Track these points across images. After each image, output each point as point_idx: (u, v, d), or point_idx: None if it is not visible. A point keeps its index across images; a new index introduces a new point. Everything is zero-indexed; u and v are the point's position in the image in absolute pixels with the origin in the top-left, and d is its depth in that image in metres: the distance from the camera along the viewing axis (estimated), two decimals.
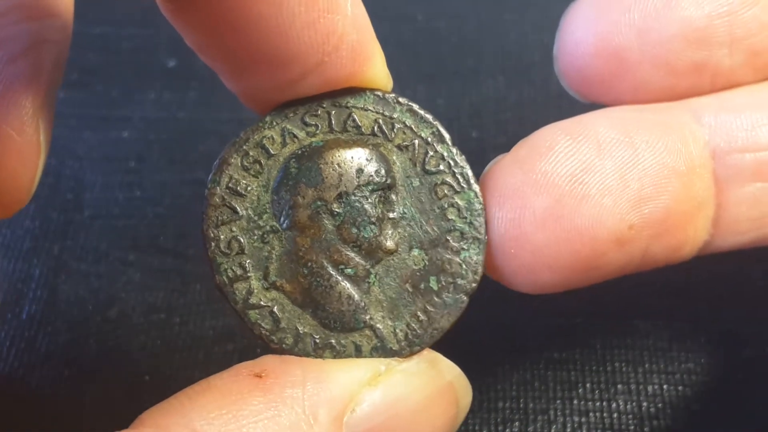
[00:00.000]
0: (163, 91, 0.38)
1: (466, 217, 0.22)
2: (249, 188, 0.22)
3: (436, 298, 0.22)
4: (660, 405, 0.29)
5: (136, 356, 0.31)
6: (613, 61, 0.23)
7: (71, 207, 0.35)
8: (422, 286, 0.22)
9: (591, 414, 0.29)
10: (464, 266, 0.22)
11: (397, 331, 0.22)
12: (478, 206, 0.22)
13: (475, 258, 0.22)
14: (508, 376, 0.30)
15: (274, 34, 0.20)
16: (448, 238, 0.22)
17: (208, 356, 0.31)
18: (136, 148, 0.36)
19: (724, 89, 0.24)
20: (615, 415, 0.29)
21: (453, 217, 0.22)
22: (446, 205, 0.22)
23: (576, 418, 0.29)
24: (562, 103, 0.37)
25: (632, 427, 0.29)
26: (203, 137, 0.37)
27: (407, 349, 0.22)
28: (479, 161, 0.35)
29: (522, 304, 0.31)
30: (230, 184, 0.22)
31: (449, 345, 0.30)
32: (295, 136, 0.23)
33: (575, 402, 0.29)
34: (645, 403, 0.29)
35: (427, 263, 0.22)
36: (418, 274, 0.22)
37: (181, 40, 0.43)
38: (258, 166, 0.22)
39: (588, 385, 0.30)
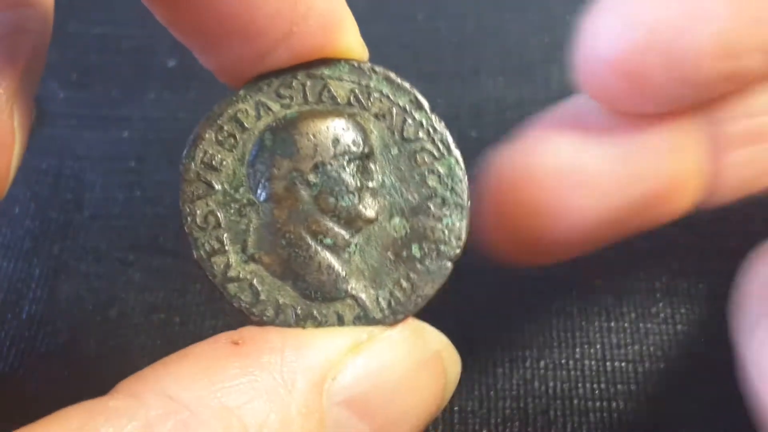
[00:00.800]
0: (163, 91, 0.38)
1: (447, 184, 0.22)
2: (224, 162, 0.22)
3: (419, 266, 0.22)
4: (660, 405, 0.29)
5: (136, 356, 0.31)
6: (637, 82, 0.22)
7: (71, 207, 0.35)
8: (404, 253, 0.22)
9: (591, 414, 0.29)
10: (447, 232, 0.22)
11: (380, 299, 0.22)
12: (459, 172, 0.22)
13: (458, 224, 0.22)
14: (508, 376, 0.30)
15: (240, 4, 0.20)
16: (430, 205, 0.22)
17: None
18: (136, 148, 0.36)
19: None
20: (615, 415, 0.29)
21: (434, 184, 0.22)
22: (426, 173, 0.22)
23: (576, 418, 0.29)
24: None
25: (632, 428, 0.29)
26: None
27: (391, 317, 0.21)
28: (479, 161, 0.35)
29: (522, 304, 0.31)
30: (205, 159, 0.22)
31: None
32: (269, 108, 0.22)
33: (575, 402, 0.29)
34: (643, 403, 0.29)
35: (408, 231, 0.22)
36: (399, 242, 0.22)
37: None
38: (233, 140, 0.22)
39: (588, 385, 0.30)
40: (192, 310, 0.32)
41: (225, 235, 0.22)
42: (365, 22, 0.40)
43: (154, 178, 0.35)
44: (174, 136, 0.37)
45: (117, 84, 0.38)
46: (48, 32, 0.24)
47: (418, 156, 0.22)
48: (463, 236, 0.22)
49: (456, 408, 0.29)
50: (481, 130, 0.36)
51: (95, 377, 0.30)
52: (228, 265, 0.21)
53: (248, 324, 0.21)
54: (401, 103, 0.23)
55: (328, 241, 0.22)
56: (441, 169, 0.22)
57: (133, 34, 0.40)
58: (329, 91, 0.23)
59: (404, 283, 0.22)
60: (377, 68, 0.23)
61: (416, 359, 0.21)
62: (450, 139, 0.22)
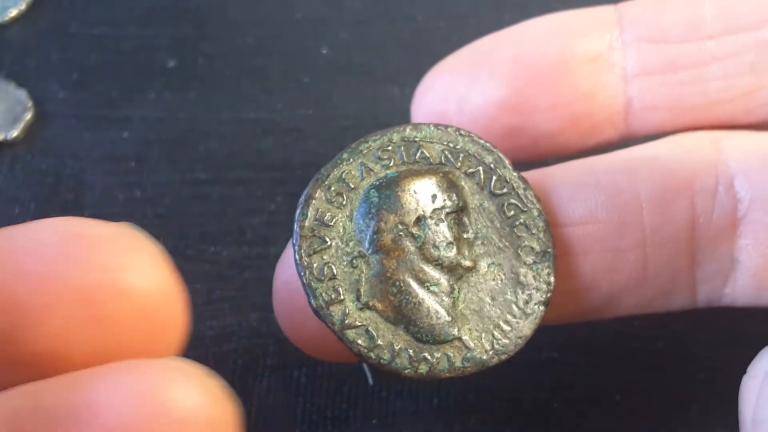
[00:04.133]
0: (163, 91, 0.38)
1: (534, 233, 0.24)
2: (335, 219, 0.24)
3: (515, 309, 0.24)
4: (659, 405, 0.29)
5: None
6: (440, 121, 0.27)
7: (71, 207, 0.35)
8: (501, 298, 0.24)
9: (590, 414, 0.29)
10: (538, 278, 0.24)
11: (484, 342, 0.24)
12: (541, 222, 0.25)
13: (546, 270, 0.24)
14: (506, 377, 0.30)
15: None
16: (520, 253, 0.24)
17: (207, 356, 0.31)
18: (136, 148, 0.36)
19: (555, 150, 0.28)
20: (614, 415, 0.29)
21: (522, 234, 0.25)
22: (514, 223, 0.25)
23: (576, 419, 0.29)
24: None
25: (631, 428, 0.29)
26: (203, 137, 0.37)
27: (495, 357, 0.24)
28: None
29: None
30: (318, 216, 0.24)
31: None
32: (371, 169, 0.25)
33: (575, 402, 0.29)
34: (644, 403, 0.29)
35: (503, 277, 0.24)
36: (497, 287, 0.24)
37: (181, 39, 0.43)
38: (341, 199, 0.24)
39: (588, 384, 0.30)
40: (192, 310, 0.32)
41: (340, 285, 0.24)
42: (365, 22, 0.40)
43: (154, 178, 0.35)
44: (174, 136, 0.37)
45: (117, 84, 0.38)
46: None
47: (505, 208, 0.25)
48: (552, 281, 0.24)
49: (456, 408, 0.29)
50: None
51: None
52: (345, 313, 0.23)
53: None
54: (487, 162, 0.25)
55: (434, 288, 0.24)
56: (527, 220, 0.25)
57: (133, 34, 0.40)
58: (422, 152, 0.25)
59: (504, 326, 0.24)
60: (462, 131, 0.25)
61: None
62: (532, 193, 0.25)
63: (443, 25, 0.40)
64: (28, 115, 0.37)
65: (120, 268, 0.21)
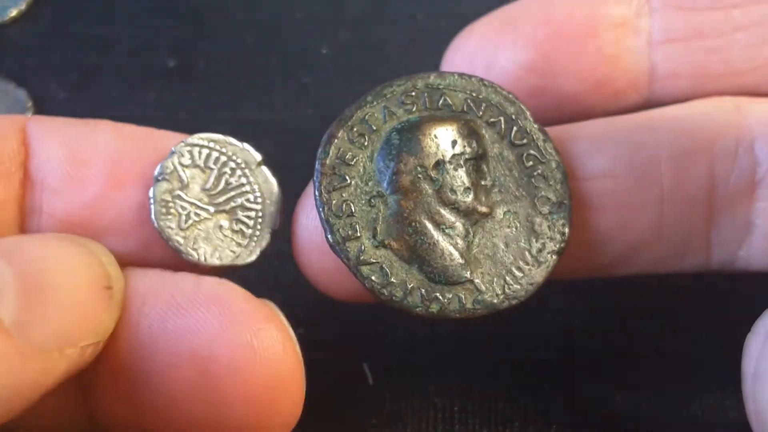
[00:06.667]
0: (163, 91, 0.38)
1: (551, 185, 0.25)
2: (355, 159, 0.25)
3: (529, 256, 0.24)
4: (658, 406, 0.29)
5: None
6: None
7: None
8: (515, 245, 0.25)
9: (590, 414, 0.29)
10: (553, 228, 0.25)
11: (495, 286, 0.24)
12: (559, 174, 0.25)
13: (561, 221, 0.25)
14: (507, 376, 0.30)
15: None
16: (536, 202, 0.25)
17: None
18: None
19: (578, 113, 0.28)
20: (614, 415, 0.29)
21: (540, 185, 0.25)
22: (532, 173, 0.25)
23: (576, 418, 0.29)
24: None
25: (631, 428, 0.29)
26: None
27: (506, 302, 0.24)
28: None
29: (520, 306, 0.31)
30: (339, 155, 0.25)
31: (449, 346, 0.30)
32: (394, 113, 0.25)
33: (575, 402, 0.29)
34: (643, 404, 0.29)
35: (518, 225, 0.25)
36: (511, 234, 0.25)
37: (181, 39, 0.43)
38: (363, 139, 0.25)
39: (587, 385, 0.30)
40: None
41: (357, 223, 0.24)
42: (365, 22, 0.40)
43: None
44: None
45: (117, 84, 0.38)
46: None
47: (524, 159, 0.25)
48: (567, 231, 0.25)
49: (456, 408, 0.29)
50: None
51: None
52: (361, 250, 0.24)
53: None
54: (509, 112, 0.26)
55: (449, 231, 0.24)
56: (545, 171, 0.25)
57: (133, 34, 0.40)
58: (446, 99, 0.25)
59: (516, 272, 0.24)
60: (486, 81, 0.26)
61: None
62: (551, 145, 0.25)
63: (443, 25, 0.40)
64: (28, 115, 0.37)
65: (247, 345, 0.23)
